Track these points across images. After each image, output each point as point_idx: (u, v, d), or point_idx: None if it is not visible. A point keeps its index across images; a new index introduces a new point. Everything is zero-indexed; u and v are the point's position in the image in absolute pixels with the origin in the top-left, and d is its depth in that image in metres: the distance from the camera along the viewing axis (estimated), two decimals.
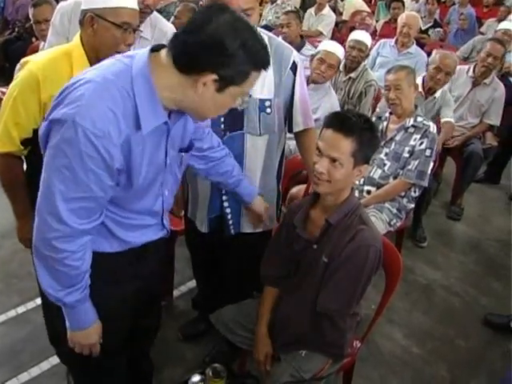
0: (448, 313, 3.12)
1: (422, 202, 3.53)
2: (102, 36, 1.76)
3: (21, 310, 2.85)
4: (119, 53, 1.55)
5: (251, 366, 2.14)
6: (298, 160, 2.55)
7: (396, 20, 5.61)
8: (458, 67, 4.05)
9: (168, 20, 3.16)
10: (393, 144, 3.00)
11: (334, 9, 8.23)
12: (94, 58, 1.77)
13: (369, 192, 2.98)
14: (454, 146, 4.11)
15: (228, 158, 1.92)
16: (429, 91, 3.81)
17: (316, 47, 3.84)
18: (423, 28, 6.45)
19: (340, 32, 7.26)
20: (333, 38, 6.27)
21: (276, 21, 6.73)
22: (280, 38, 4.33)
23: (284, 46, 2.05)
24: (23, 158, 1.94)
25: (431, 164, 2.96)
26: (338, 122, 1.76)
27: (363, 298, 1.94)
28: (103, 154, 1.25)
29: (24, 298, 2.87)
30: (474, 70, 4.25)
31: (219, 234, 2.21)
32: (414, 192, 3.01)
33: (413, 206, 3.10)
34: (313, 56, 3.57)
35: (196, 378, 1.83)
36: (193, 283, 2.93)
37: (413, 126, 2.97)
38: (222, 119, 1.98)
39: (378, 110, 3.69)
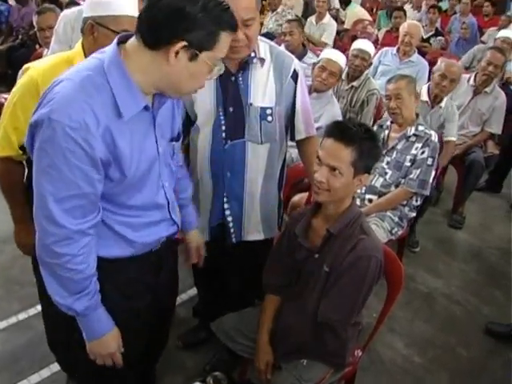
0: (449, 321, 3.11)
1: (420, 209, 3.52)
2: (103, 44, 1.76)
3: (22, 316, 2.85)
4: None
5: (252, 374, 2.12)
6: (299, 168, 2.55)
7: (398, 29, 5.63)
8: None
9: None
10: (394, 153, 3.01)
11: (336, 17, 8.25)
12: None
13: (370, 200, 2.98)
14: (456, 155, 4.11)
15: (184, 180, 1.90)
16: (435, 100, 3.80)
17: (318, 56, 3.85)
18: (425, 37, 6.47)
19: (342, 41, 7.28)
20: (334, 46, 6.28)
21: (277, 29, 6.75)
22: (282, 47, 4.38)
23: (285, 55, 2.06)
24: (24, 162, 1.95)
25: (433, 173, 2.96)
26: (339, 131, 1.77)
27: (365, 307, 1.94)
28: (84, 146, 1.26)
29: (25, 305, 2.87)
30: (474, 79, 4.26)
31: (221, 243, 2.20)
32: (416, 201, 3.01)
33: (414, 214, 3.10)
34: (314, 64, 3.58)
35: None
36: (194, 291, 2.93)
37: (414, 134, 2.98)
38: (224, 127, 1.99)
39: (384, 117, 3.68)
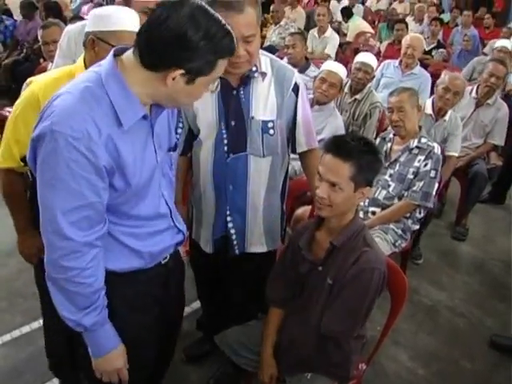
0: (453, 334, 3.09)
1: (423, 222, 3.52)
2: (103, 58, 1.78)
3: (25, 329, 2.85)
4: None
5: None
6: (303, 181, 2.56)
7: (400, 41, 5.67)
8: None
9: None
10: (397, 165, 3.01)
11: (338, 30, 8.30)
12: None
13: (374, 213, 2.98)
14: (459, 167, 4.11)
15: None
16: (439, 113, 3.81)
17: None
18: (427, 49, 6.50)
19: (344, 53, 7.31)
20: (337, 59, 6.30)
21: (280, 42, 6.80)
22: (285, 60, 4.41)
23: (286, 68, 2.07)
24: (28, 172, 1.97)
25: (436, 185, 2.96)
26: (336, 146, 1.78)
27: (368, 320, 1.93)
28: (87, 155, 1.26)
29: (28, 318, 2.87)
30: (477, 91, 4.28)
31: (224, 255, 2.21)
32: (419, 213, 3.01)
33: (417, 227, 3.09)
34: (315, 77, 3.60)
35: None
36: (197, 304, 2.92)
37: (417, 147, 2.98)
38: (226, 141, 2.00)
39: (388, 130, 3.69)
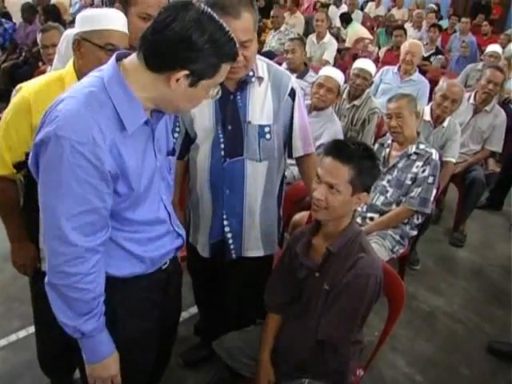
0: (451, 340, 3.09)
1: (421, 227, 3.52)
2: (88, 58, 1.78)
3: (22, 334, 2.84)
4: None
5: None
6: (301, 186, 2.57)
7: (398, 47, 5.68)
8: None
9: None
10: (395, 171, 3.02)
11: (337, 36, 8.33)
12: None
13: (372, 219, 2.98)
14: (457, 173, 4.11)
15: None
16: (437, 120, 3.81)
17: None
18: (425, 55, 6.51)
19: (343, 59, 7.32)
20: (335, 64, 6.31)
21: (279, 47, 6.81)
22: (284, 65, 4.42)
23: (282, 73, 2.08)
24: (22, 179, 1.96)
25: (434, 191, 2.96)
26: (337, 149, 1.80)
27: (366, 326, 1.94)
28: (92, 160, 1.26)
29: (25, 323, 2.86)
30: (474, 98, 4.29)
31: (221, 259, 2.21)
32: (417, 219, 3.01)
33: (415, 232, 3.10)
34: (313, 83, 3.61)
35: None
36: (195, 309, 2.92)
37: (415, 153, 2.99)
38: (222, 145, 2.01)
39: (387, 135, 3.70)
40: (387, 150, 3.12)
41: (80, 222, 1.31)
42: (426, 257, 3.94)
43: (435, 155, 2.98)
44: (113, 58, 1.37)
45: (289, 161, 2.37)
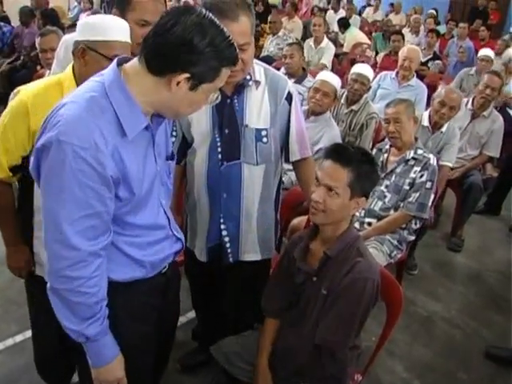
0: (449, 345, 3.09)
1: (419, 232, 3.52)
2: (93, 67, 1.76)
3: (19, 338, 2.83)
4: None
5: None
6: (299, 191, 2.57)
7: (396, 52, 5.70)
8: None
9: None
10: (393, 176, 3.02)
11: (335, 41, 8.34)
12: None
13: (370, 224, 2.99)
14: (454, 178, 4.13)
15: None
16: (435, 126, 3.81)
17: None
18: (423, 60, 6.52)
19: (341, 64, 7.34)
20: (333, 69, 6.31)
21: (277, 52, 6.83)
22: (282, 70, 4.43)
23: (279, 77, 2.09)
24: (17, 183, 1.96)
25: (432, 196, 2.97)
26: (336, 152, 1.81)
27: (364, 330, 1.93)
28: (94, 165, 1.26)
29: (22, 327, 2.84)
30: (472, 103, 4.31)
31: (218, 263, 2.21)
32: (415, 224, 3.01)
33: (413, 237, 3.10)
34: (310, 87, 3.62)
35: None
36: (193, 314, 2.91)
37: (413, 158, 2.99)
38: (220, 149, 2.01)
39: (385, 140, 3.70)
40: (385, 155, 3.13)
41: (82, 226, 1.31)
42: (424, 262, 3.94)
43: (433, 160, 2.98)
44: (114, 63, 1.38)
45: (286, 166, 2.38)
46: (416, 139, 3.11)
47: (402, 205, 2.96)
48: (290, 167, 2.31)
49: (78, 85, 1.82)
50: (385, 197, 3.01)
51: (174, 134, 2.08)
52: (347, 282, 1.78)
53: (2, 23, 7.52)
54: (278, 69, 3.51)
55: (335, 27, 9.19)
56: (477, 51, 7.54)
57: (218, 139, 2.00)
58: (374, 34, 8.98)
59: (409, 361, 2.92)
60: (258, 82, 2.00)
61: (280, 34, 7.19)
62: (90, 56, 1.75)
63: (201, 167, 2.07)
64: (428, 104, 4.81)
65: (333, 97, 3.50)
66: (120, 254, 1.49)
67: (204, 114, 1.98)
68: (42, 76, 3.78)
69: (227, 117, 1.98)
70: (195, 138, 2.04)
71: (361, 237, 1.99)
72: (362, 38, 8.18)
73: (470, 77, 5.96)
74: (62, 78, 1.86)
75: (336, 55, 7.07)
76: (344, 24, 8.70)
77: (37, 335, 2.27)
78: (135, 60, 1.35)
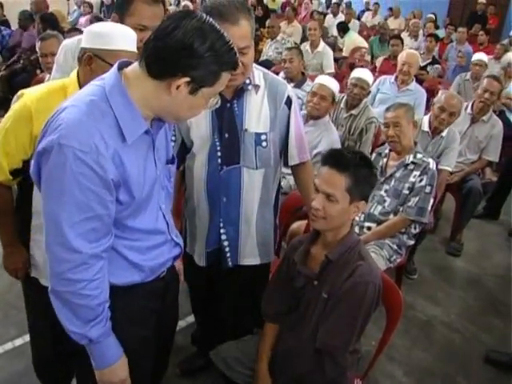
0: (448, 350, 3.09)
1: (418, 237, 3.52)
2: (98, 75, 1.75)
3: (18, 342, 2.82)
4: None
5: None
6: (298, 196, 2.57)
7: (395, 57, 5.72)
8: None
9: None
10: (393, 181, 3.02)
11: (334, 45, 8.37)
12: None
13: (369, 228, 2.98)
14: (454, 182, 4.13)
15: None
16: (435, 131, 3.81)
17: None
18: (422, 64, 6.53)
19: (340, 68, 7.34)
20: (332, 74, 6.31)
21: (276, 56, 6.84)
22: (281, 74, 4.43)
23: (279, 82, 2.09)
24: (15, 186, 1.96)
25: (431, 200, 2.97)
26: (333, 158, 1.81)
27: (363, 335, 1.93)
28: (95, 168, 1.27)
29: (21, 331, 2.83)
30: (472, 107, 4.31)
31: (217, 267, 2.21)
32: (415, 228, 3.01)
33: (413, 242, 3.10)
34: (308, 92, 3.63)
35: None
36: (192, 318, 2.90)
37: (412, 162, 2.99)
38: (219, 153, 2.01)
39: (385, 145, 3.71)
40: (384, 159, 3.13)
41: (83, 228, 1.32)
42: (423, 266, 3.94)
43: (432, 165, 2.98)
44: (115, 67, 1.38)
45: (285, 170, 2.37)
46: (415, 143, 3.12)
47: (401, 209, 2.97)
48: (289, 171, 2.31)
49: None
50: (384, 201, 3.01)
51: (173, 138, 2.08)
52: (348, 285, 1.78)
53: (3, 27, 7.53)
54: (277, 73, 3.51)
55: (334, 31, 9.22)
56: None
57: (217, 143, 2.01)
58: (370, 38, 8.99)
59: (408, 365, 2.91)
60: (257, 87, 2.00)
61: (278, 38, 7.21)
62: (96, 64, 1.76)
63: (200, 172, 2.07)
64: (427, 108, 4.83)
65: (330, 100, 3.50)
66: (119, 257, 1.49)
67: (204, 119, 1.98)
68: (41, 80, 3.79)
69: (227, 121, 1.99)
70: (195, 142, 2.04)
71: (361, 241, 1.99)
72: (361, 42, 8.21)
73: (466, 82, 5.98)
74: (66, 83, 1.87)
75: (335, 59, 7.07)
76: (343, 28, 8.73)
77: (35, 338, 2.27)
78: (136, 64, 1.35)
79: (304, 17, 11.16)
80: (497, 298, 3.66)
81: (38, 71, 5.61)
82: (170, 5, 9.67)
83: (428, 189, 2.92)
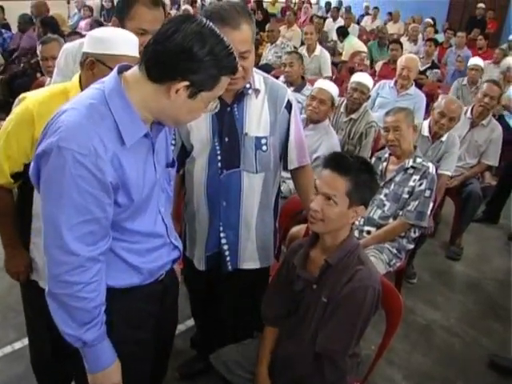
0: (448, 354, 3.08)
1: (418, 241, 3.52)
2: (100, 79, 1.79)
3: (17, 345, 2.82)
4: None
5: None
6: (297, 200, 2.57)
7: (395, 61, 5.73)
8: None
9: None
10: (392, 185, 3.03)
11: (334, 49, 8.38)
12: None
13: (369, 232, 2.99)
14: (453, 186, 4.14)
15: None
16: (435, 136, 3.81)
17: None
18: (421, 69, 6.54)
19: (339, 73, 7.36)
20: (332, 78, 6.31)
21: (276, 60, 6.84)
22: (281, 78, 4.43)
23: (279, 86, 2.09)
24: (16, 189, 1.97)
25: (431, 204, 2.97)
26: (335, 161, 1.82)
27: (363, 339, 1.93)
28: (94, 171, 1.27)
29: (20, 334, 2.83)
30: (471, 112, 4.32)
31: (217, 271, 2.21)
32: (414, 232, 3.01)
33: (412, 246, 3.10)
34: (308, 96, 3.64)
35: None
36: (191, 322, 2.91)
37: (412, 166, 2.99)
38: (219, 157, 2.02)
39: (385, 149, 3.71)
40: (384, 163, 3.13)
41: (81, 231, 1.32)
42: (423, 270, 3.94)
43: (432, 169, 2.99)
44: (114, 71, 1.39)
45: (285, 174, 2.38)
46: (415, 148, 3.12)
47: (400, 213, 2.97)
48: (289, 176, 2.31)
49: None
50: (384, 205, 3.01)
51: (173, 142, 2.08)
52: (348, 290, 1.78)
53: (4, 30, 7.55)
54: (277, 77, 3.52)
55: (334, 36, 9.23)
56: None
57: (217, 147, 2.01)
58: (369, 42, 9.00)
59: (408, 369, 2.91)
60: (257, 91, 2.01)
61: (278, 42, 7.21)
62: (98, 69, 1.76)
63: (200, 176, 2.07)
64: (426, 113, 4.84)
65: (330, 104, 3.51)
66: (118, 260, 1.50)
67: (204, 122, 1.98)
68: (42, 84, 3.80)
69: (227, 125, 1.99)
70: (195, 146, 2.05)
71: (361, 245, 1.99)
72: (361, 46, 8.21)
73: (463, 87, 5.99)
74: (68, 87, 1.87)
75: (335, 64, 7.07)
76: (343, 33, 8.74)
77: (33, 341, 2.27)
78: (135, 68, 1.36)
79: (304, 21, 11.18)
80: (496, 302, 3.66)
81: (39, 75, 5.61)
82: (171, 9, 9.68)
83: (427, 193, 2.93)
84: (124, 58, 1.74)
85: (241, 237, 2.15)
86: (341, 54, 8.43)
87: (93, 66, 1.77)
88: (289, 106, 2.07)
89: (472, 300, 3.67)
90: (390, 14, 12.11)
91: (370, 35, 10.44)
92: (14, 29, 7.58)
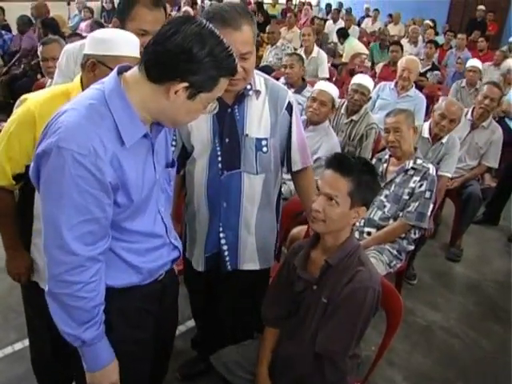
0: (448, 355, 3.09)
1: (418, 242, 3.52)
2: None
3: (18, 346, 2.82)
4: None
5: None
6: (298, 201, 2.58)
7: (395, 63, 5.73)
8: None
9: None
10: (393, 186, 3.03)
11: (334, 51, 8.39)
12: None
13: (369, 233, 2.99)
14: (453, 188, 4.14)
15: None
16: (435, 137, 3.81)
17: None
18: (422, 71, 6.54)
19: (340, 74, 7.36)
20: (332, 79, 6.31)
21: (276, 62, 6.85)
22: (282, 80, 4.44)
23: (279, 87, 2.09)
24: (17, 190, 1.96)
25: (431, 206, 2.97)
26: (338, 162, 1.82)
27: (363, 340, 1.94)
28: (93, 171, 1.28)
29: (21, 335, 2.83)
30: (472, 114, 4.32)
31: (216, 272, 2.21)
32: (414, 234, 3.01)
33: (412, 247, 3.10)
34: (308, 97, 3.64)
35: None
36: (192, 322, 2.91)
37: (412, 168, 3.00)
38: (220, 158, 2.02)
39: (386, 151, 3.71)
40: (384, 165, 3.14)
41: (81, 231, 1.33)
42: (423, 271, 3.94)
43: (432, 170, 2.99)
44: (114, 72, 1.40)
45: (285, 176, 2.38)
46: (415, 149, 3.12)
47: (401, 214, 2.97)
48: (289, 177, 2.32)
49: None
50: (384, 206, 3.02)
51: (174, 143, 2.08)
52: (348, 291, 1.79)
53: (4, 31, 7.56)
54: (278, 79, 3.53)
55: (334, 38, 9.24)
56: None
57: (218, 148, 2.01)
58: (370, 44, 9.02)
59: (408, 370, 2.91)
60: (258, 92, 2.01)
61: (278, 44, 7.21)
62: (99, 70, 1.77)
63: (201, 176, 2.08)
64: (427, 114, 4.84)
65: (330, 106, 3.51)
66: (118, 259, 1.50)
67: (204, 124, 1.99)
68: (42, 85, 3.80)
69: (228, 126, 1.99)
70: (195, 146, 2.05)
71: (361, 246, 2.00)
72: (361, 48, 8.23)
73: (462, 89, 6.00)
74: (69, 88, 1.87)
75: (335, 65, 7.07)
76: (343, 34, 8.75)
77: (34, 341, 2.27)
78: (135, 68, 1.37)
79: (304, 23, 11.18)
80: (496, 304, 3.66)
81: (39, 76, 5.63)
82: (171, 10, 9.69)
83: (428, 194, 2.93)
84: (125, 59, 1.74)
85: (240, 238, 2.15)
86: (341, 55, 8.45)
87: (94, 67, 1.77)
88: (289, 108, 2.07)
89: (472, 301, 3.68)
90: (390, 15, 12.13)
91: (370, 37, 10.47)
92: (15, 30, 7.59)
